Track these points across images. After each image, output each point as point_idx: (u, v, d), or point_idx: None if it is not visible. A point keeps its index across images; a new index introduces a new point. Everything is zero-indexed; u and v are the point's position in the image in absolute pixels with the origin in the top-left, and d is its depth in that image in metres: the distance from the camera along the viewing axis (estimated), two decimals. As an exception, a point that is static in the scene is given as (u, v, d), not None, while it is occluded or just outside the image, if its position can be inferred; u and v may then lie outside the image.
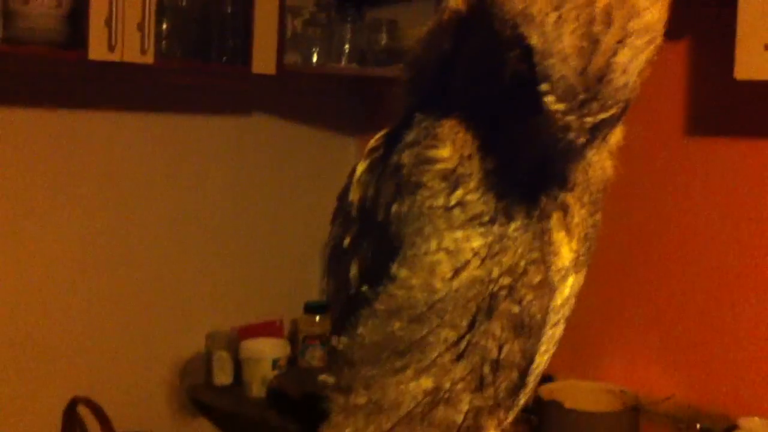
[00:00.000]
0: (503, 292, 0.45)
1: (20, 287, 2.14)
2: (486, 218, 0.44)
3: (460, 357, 0.47)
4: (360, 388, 0.50)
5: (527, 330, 0.46)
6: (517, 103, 0.41)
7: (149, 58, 1.90)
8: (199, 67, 2.12)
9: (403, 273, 0.46)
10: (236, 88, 2.52)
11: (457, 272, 0.45)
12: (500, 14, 0.39)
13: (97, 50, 1.82)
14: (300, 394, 2.27)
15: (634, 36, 0.39)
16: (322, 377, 0.52)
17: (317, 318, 2.57)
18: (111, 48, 1.82)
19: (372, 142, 0.50)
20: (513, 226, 0.44)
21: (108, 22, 1.82)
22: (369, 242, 0.47)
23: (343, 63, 2.50)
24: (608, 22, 0.39)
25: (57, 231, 2.19)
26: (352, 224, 0.49)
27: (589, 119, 0.39)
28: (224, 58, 2.19)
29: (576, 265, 0.47)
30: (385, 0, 2.57)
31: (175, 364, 2.50)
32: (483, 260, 0.45)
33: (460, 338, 0.46)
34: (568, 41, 0.38)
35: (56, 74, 2.09)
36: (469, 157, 0.44)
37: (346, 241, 0.49)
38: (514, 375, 0.48)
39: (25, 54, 1.84)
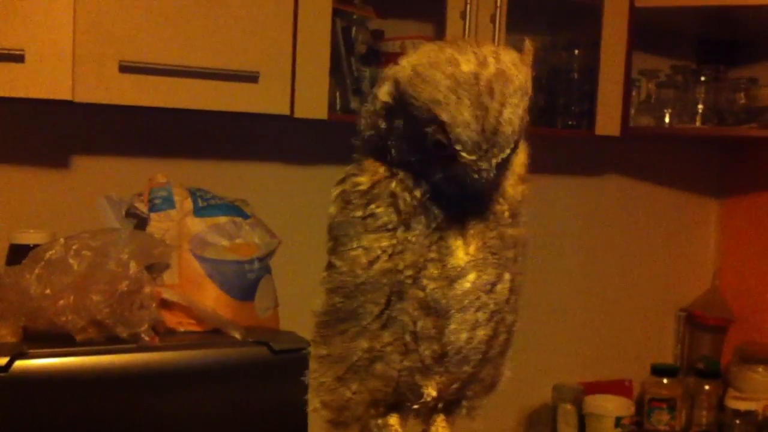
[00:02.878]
0: (409, 281, 0.61)
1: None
2: (390, 226, 0.62)
3: (384, 326, 0.62)
4: (321, 343, 0.67)
5: (434, 311, 0.61)
6: (436, 158, 0.59)
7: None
8: (544, 132, 2.26)
9: (337, 262, 0.64)
10: (582, 150, 2.61)
11: (371, 263, 0.62)
12: (417, 103, 0.58)
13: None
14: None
15: (510, 97, 0.56)
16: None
17: (665, 381, 2.54)
18: (460, 115, 2.03)
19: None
20: (412, 233, 0.61)
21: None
22: (327, 243, 0.65)
23: (697, 123, 2.48)
24: (491, 93, 0.56)
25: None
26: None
27: (492, 160, 0.57)
28: (569, 121, 2.32)
29: (477, 265, 0.62)
30: (745, 59, 2.51)
31: (521, 412, 2.62)
32: (390, 256, 0.61)
33: (381, 312, 0.62)
34: (467, 113, 0.56)
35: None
36: (379, 183, 0.62)
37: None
38: (435, 346, 0.62)
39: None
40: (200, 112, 1.89)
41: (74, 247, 1.66)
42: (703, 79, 2.45)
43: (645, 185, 2.72)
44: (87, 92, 1.75)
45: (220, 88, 1.84)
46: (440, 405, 0.69)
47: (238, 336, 1.73)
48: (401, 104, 0.60)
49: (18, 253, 1.75)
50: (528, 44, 0.62)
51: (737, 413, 2.41)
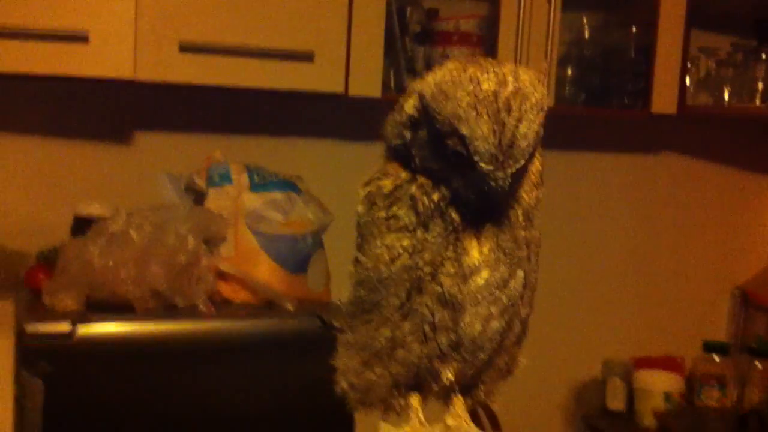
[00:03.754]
0: (428, 277, 0.66)
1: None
2: (410, 227, 0.67)
3: (405, 317, 0.68)
4: (348, 330, 0.72)
5: (450, 304, 0.66)
6: (456, 168, 0.64)
7: (549, 103, 2.08)
8: (597, 113, 2.26)
9: (363, 258, 0.69)
10: (638, 128, 2.60)
11: (393, 261, 0.67)
12: (440, 117, 0.63)
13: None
14: (687, 433, 2.27)
15: (527, 113, 0.61)
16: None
17: (716, 358, 2.53)
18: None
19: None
20: (431, 234, 0.66)
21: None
22: (356, 240, 0.70)
23: (756, 102, 2.45)
24: (509, 110, 0.60)
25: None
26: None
27: (508, 170, 0.62)
28: (624, 100, 2.31)
29: (490, 264, 0.67)
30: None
31: (570, 386, 2.65)
32: (410, 254, 0.66)
33: (402, 305, 0.67)
34: (485, 128, 0.60)
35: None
36: (401, 186, 0.67)
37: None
38: (452, 336, 0.68)
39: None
40: (257, 90, 1.94)
41: (136, 221, 1.74)
42: (763, 57, 2.41)
43: (701, 164, 2.69)
44: (148, 71, 1.81)
45: (276, 66, 1.88)
46: (457, 388, 0.73)
47: (290, 308, 1.79)
48: (425, 117, 0.64)
49: (81, 225, 1.83)
50: (544, 65, 0.66)
51: (789, 393, 2.40)
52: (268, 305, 1.82)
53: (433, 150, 0.65)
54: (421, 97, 0.64)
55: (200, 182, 1.88)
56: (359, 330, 0.71)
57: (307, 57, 1.90)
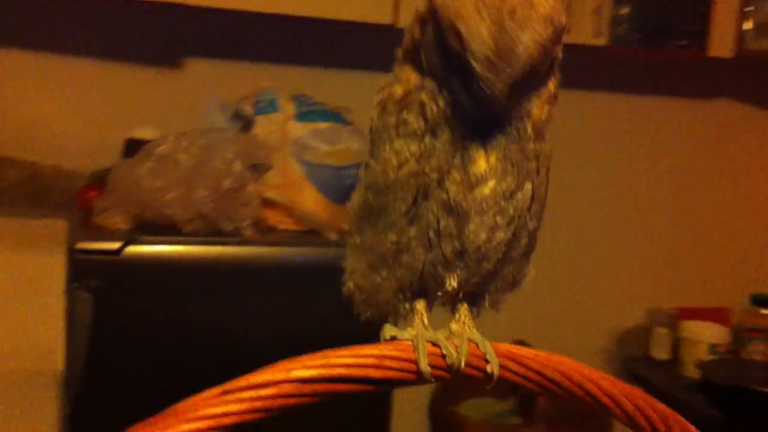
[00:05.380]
0: (434, 184, 0.66)
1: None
2: (419, 132, 0.66)
3: (410, 222, 0.68)
4: (356, 233, 0.73)
5: (455, 212, 0.67)
6: (456, 70, 0.63)
7: (602, 41, 2.05)
8: (652, 53, 2.21)
9: (372, 163, 0.70)
10: (693, 72, 2.54)
11: (401, 166, 0.67)
12: (443, 13, 0.62)
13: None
14: (729, 384, 2.25)
15: (532, 23, 0.59)
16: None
17: (763, 311, 2.50)
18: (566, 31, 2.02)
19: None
20: (439, 141, 0.66)
21: (566, 8, 2.01)
22: (368, 146, 0.72)
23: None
24: (513, 16, 0.59)
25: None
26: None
27: (503, 77, 0.60)
28: (682, 42, 2.26)
29: (496, 174, 0.67)
30: None
31: (613, 333, 2.64)
32: (418, 160, 0.67)
33: (408, 210, 0.68)
34: (484, 30, 0.59)
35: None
36: (411, 92, 0.67)
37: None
38: (456, 243, 0.68)
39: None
40: (306, 19, 1.94)
41: (183, 144, 1.77)
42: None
43: (757, 111, 2.63)
44: (198, -5, 1.82)
45: (327, -4, 1.88)
46: (461, 296, 0.73)
47: (333, 237, 1.81)
48: (432, 13, 0.64)
49: (133, 148, 1.86)
50: None
51: (837, 348, 2.37)
52: (311, 233, 1.85)
53: (438, 50, 0.64)
54: None
55: (248, 109, 1.89)
56: (366, 233, 0.71)
57: (357, -13, 1.89)
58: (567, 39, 2.04)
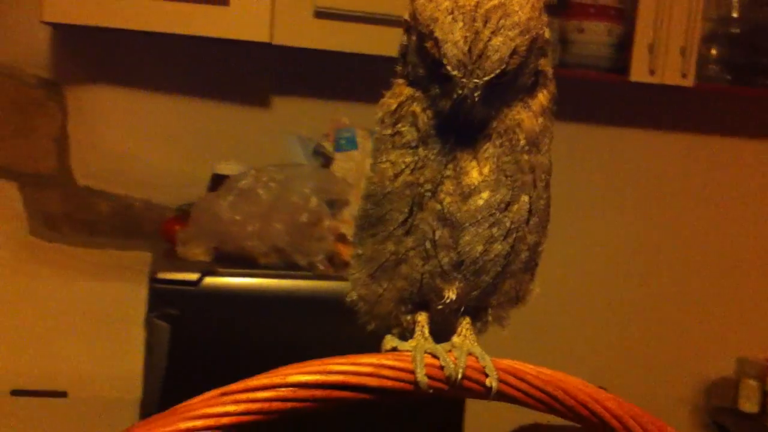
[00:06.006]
0: (428, 194, 0.68)
1: (560, 279, 2.42)
2: (413, 144, 0.68)
3: (407, 233, 0.69)
4: (358, 244, 0.73)
5: (450, 222, 0.68)
6: (433, 74, 0.65)
7: (689, 82, 2.01)
8: (740, 92, 2.16)
9: (370, 174, 0.71)
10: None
11: (396, 176, 0.68)
12: (420, 18, 0.65)
13: (638, 73, 2.00)
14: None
15: (506, 29, 0.62)
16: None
17: None
18: (651, 72, 1.99)
19: None
20: (431, 151, 0.67)
21: (651, 48, 1.99)
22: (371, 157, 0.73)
23: None
24: (486, 21, 0.62)
25: (595, 233, 2.42)
26: None
27: (474, 80, 0.63)
28: (770, 82, 2.20)
29: (490, 185, 0.68)
30: None
31: (700, 383, 2.55)
32: (412, 170, 0.68)
33: (405, 220, 0.69)
34: (458, 33, 0.62)
35: (602, 95, 2.33)
36: (404, 104, 0.69)
37: None
38: (452, 254, 0.68)
39: (577, 77, 2.11)
40: (386, 58, 1.96)
41: (263, 179, 1.80)
42: None
43: None
44: (283, 35, 1.87)
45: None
46: (462, 309, 0.73)
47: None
48: (414, 20, 0.67)
49: (218, 182, 1.92)
50: None
51: None
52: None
53: (419, 55, 0.67)
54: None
55: (327, 146, 1.93)
56: (366, 243, 0.73)
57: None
58: (653, 80, 2.02)
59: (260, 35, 1.86)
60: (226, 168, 1.97)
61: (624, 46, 2.07)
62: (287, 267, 1.77)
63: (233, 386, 0.55)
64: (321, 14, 1.87)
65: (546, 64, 0.69)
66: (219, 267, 1.74)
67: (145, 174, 2.17)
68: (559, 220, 2.49)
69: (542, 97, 0.70)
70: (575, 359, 2.41)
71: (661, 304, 2.49)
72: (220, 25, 1.83)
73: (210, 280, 1.72)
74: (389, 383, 0.61)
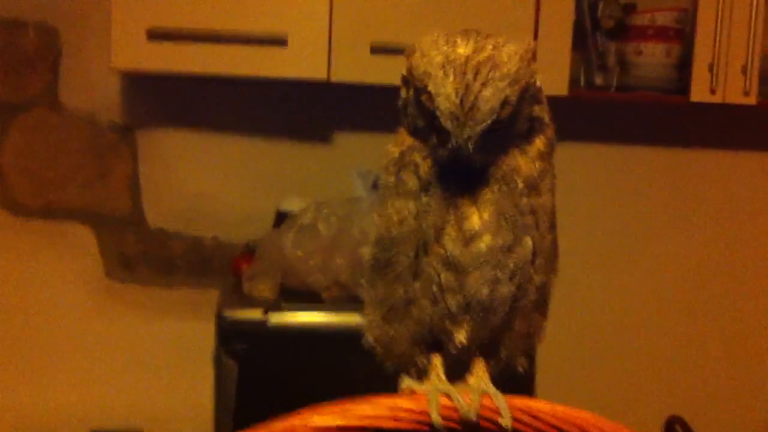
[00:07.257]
0: (431, 239, 0.70)
1: (631, 304, 2.37)
2: (414, 191, 0.71)
3: (415, 276, 0.71)
4: (369, 286, 0.76)
5: (454, 266, 0.70)
6: (432, 124, 0.68)
7: (752, 100, 1.97)
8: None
9: (378, 220, 0.74)
10: None
11: (401, 222, 0.71)
12: (415, 73, 0.68)
13: (699, 93, 1.97)
14: None
15: (495, 81, 0.65)
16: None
17: None
18: (712, 91, 1.95)
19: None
20: (433, 198, 0.70)
21: (711, 67, 1.96)
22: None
23: None
24: (476, 74, 0.65)
25: (665, 257, 2.37)
26: None
27: (467, 130, 0.65)
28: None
29: (491, 230, 0.70)
30: None
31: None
32: (415, 217, 0.71)
33: (411, 264, 0.71)
34: (449, 87, 0.65)
35: (663, 116, 2.29)
36: (405, 153, 0.72)
37: None
38: (459, 297, 0.71)
39: (637, 99, 2.09)
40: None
41: (323, 214, 1.84)
42: None
43: None
44: (341, 72, 1.90)
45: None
46: (475, 349, 0.74)
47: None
48: (410, 75, 0.70)
49: (282, 219, 1.96)
50: (532, 43, 0.71)
51: None
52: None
53: (417, 107, 0.70)
54: (408, 54, 0.70)
55: (387, 179, 1.94)
56: (377, 285, 0.75)
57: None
58: (715, 99, 1.98)
59: (318, 73, 1.89)
60: (289, 204, 2.01)
61: (684, 66, 2.04)
62: (350, 300, 1.79)
63: (259, 427, 0.57)
64: (377, 50, 1.89)
65: (541, 111, 0.71)
66: (283, 302, 1.78)
67: (214, 213, 2.23)
68: (627, 246, 2.46)
69: (539, 142, 0.72)
70: (649, 390, 2.36)
71: (742, 330, 2.41)
72: (279, 65, 1.87)
73: (275, 316, 1.75)
74: (406, 425, 0.63)
